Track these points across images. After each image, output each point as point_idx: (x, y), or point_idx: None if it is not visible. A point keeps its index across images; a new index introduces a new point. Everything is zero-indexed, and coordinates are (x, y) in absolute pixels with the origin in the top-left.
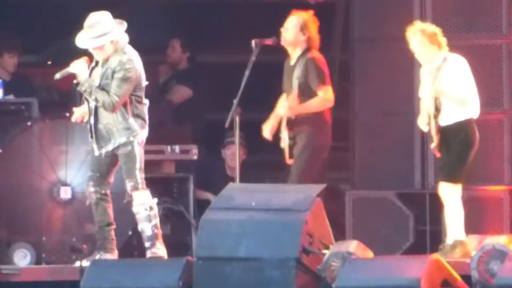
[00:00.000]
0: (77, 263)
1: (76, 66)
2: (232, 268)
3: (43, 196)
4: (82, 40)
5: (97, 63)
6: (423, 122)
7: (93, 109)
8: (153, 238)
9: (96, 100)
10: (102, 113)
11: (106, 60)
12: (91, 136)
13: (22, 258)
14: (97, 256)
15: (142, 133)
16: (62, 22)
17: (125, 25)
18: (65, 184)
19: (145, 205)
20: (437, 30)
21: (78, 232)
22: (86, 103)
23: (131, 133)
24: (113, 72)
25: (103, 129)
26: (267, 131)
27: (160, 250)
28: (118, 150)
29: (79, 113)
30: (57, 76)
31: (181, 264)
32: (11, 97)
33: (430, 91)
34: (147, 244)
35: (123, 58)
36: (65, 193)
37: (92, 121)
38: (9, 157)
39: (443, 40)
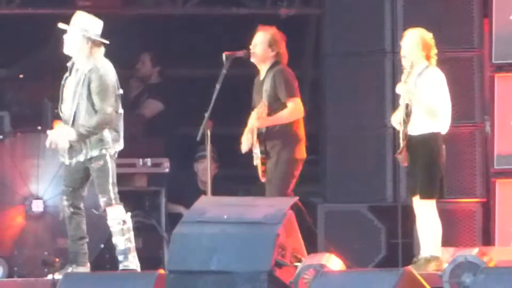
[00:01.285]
0: (50, 276)
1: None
2: (204, 281)
3: (15, 210)
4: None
5: (70, 72)
6: (396, 121)
7: (72, 116)
8: (126, 252)
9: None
10: (79, 121)
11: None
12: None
13: None
14: (70, 269)
15: (115, 146)
16: (33, 35)
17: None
18: (37, 198)
19: (117, 219)
20: (432, 44)
21: (50, 245)
22: (61, 114)
23: (103, 145)
24: (89, 81)
25: (80, 132)
26: (245, 144)
27: (132, 263)
28: (91, 163)
29: (53, 137)
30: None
31: (153, 277)
32: None
33: (404, 92)
34: (120, 258)
35: (97, 65)
36: (37, 207)
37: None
38: None
39: (433, 55)
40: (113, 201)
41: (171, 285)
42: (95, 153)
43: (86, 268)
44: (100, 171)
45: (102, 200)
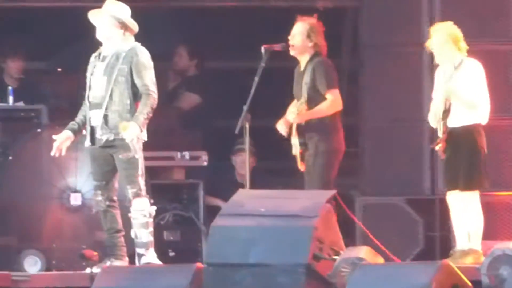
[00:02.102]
0: (87, 270)
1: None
2: (242, 274)
3: (53, 203)
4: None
5: (98, 58)
6: (433, 119)
7: (105, 101)
8: (148, 245)
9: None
10: (113, 99)
11: (107, 50)
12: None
13: (32, 264)
14: (107, 263)
15: (143, 134)
16: (70, 28)
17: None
18: (75, 191)
19: (144, 212)
20: (461, 35)
21: (88, 238)
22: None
23: (134, 129)
24: (131, 60)
25: (109, 116)
26: (281, 127)
27: (153, 257)
28: (120, 152)
29: (59, 143)
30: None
31: (191, 271)
32: (20, 104)
33: (442, 90)
34: (140, 251)
35: (137, 46)
36: (75, 200)
37: (99, 112)
38: (19, 164)
39: (464, 46)
40: (142, 192)
41: (209, 278)
42: (125, 136)
43: (123, 262)
44: (128, 162)
45: (130, 191)
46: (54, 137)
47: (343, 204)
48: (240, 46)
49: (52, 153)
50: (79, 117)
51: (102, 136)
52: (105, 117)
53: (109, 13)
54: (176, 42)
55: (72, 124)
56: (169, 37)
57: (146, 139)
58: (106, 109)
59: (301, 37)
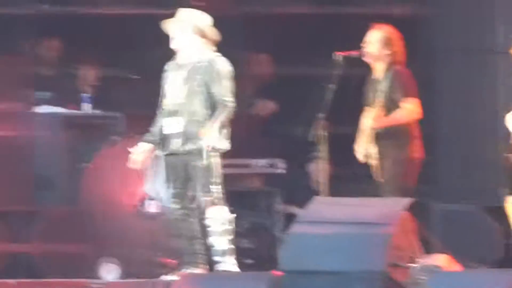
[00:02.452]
0: (165, 278)
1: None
2: (318, 282)
3: (130, 210)
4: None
5: (173, 67)
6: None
7: (183, 108)
8: (226, 253)
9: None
10: (191, 109)
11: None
12: (165, 144)
13: (109, 272)
14: (184, 271)
15: (225, 143)
16: (148, 35)
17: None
18: (152, 198)
19: (221, 220)
20: None
21: (165, 246)
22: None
23: (212, 138)
24: (210, 70)
25: (187, 125)
26: (360, 153)
27: (233, 265)
28: (196, 160)
29: (138, 155)
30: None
31: (267, 278)
32: (98, 111)
33: None
34: (218, 258)
35: (215, 59)
36: (152, 207)
37: (175, 120)
38: (97, 172)
39: None
40: (217, 200)
41: (286, 285)
42: (204, 144)
43: (201, 269)
44: (204, 169)
45: (205, 199)
46: (130, 150)
47: (414, 214)
48: (316, 52)
49: (129, 165)
50: (155, 128)
51: (179, 145)
52: (183, 126)
53: (190, 21)
54: (252, 49)
55: (149, 135)
56: (245, 44)
57: (224, 147)
58: (184, 118)
59: (378, 45)
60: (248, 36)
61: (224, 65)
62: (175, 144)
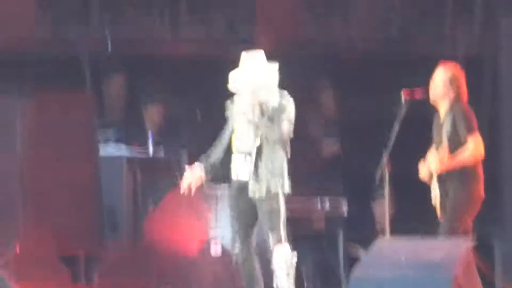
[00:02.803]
0: None
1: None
2: None
3: (193, 253)
4: (238, 79)
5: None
6: None
7: (253, 149)
8: None
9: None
10: (264, 152)
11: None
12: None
13: None
14: None
15: (288, 182)
16: (210, 76)
17: (277, 65)
18: (215, 241)
19: (286, 260)
20: None
21: (229, 285)
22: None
23: (282, 181)
24: (281, 110)
25: (261, 169)
26: (424, 173)
27: None
28: (264, 202)
29: (192, 180)
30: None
31: None
32: (161, 149)
33: None
34: None
35: (283, 100)
36: (215, 250)
37: (247, 163)
38: (160, 214)
39: None
40: (283, 238)
41: None
42: (274, 187)
43: None
44: (272, 212)
45: (272, 238)
46: (185, 174)
47: (476, 254)
48: (379, 90)
49: (181, 191)
50: (213, 157)
51: (254, 192)
52: (257, 169)
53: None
54: (318, 86)
55: (205, 163)
56: (310, 81)
57: (288, 191)
58: (256, 161)
59: (442, 84)
60: (314, 72)
61: (290, 106)
62: (250, 191)
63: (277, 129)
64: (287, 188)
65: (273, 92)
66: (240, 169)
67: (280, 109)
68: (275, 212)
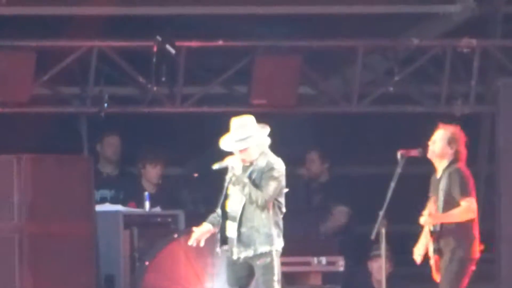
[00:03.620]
0: None
1: (232, 160)
2: None
3: None
4: (227, 143)
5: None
6: None
7: (239, 212)
8: None
9: (249, 196)
10: (248, 215)
11: (250, 164)
12: (224, 242)
13: None
14: None
15: (279, 242)
16: (207, 133)
17: (267, 129)
18: None
19: None
20: None
21: None
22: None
23: (271, 241)
24: (262, 173)
25: (245, 233)
26: (417, 255)
27: None
28: (256, 260)
29: (199, 234)
30: (215, 166)
31: None
32: (157, 209)
33: None
34: None
35: (271, 159)
36: None
37: (234, 226)
38: (156, 269)
39: None
40: None
41: None
42: (263, 249)
43: None
44: (265, 268)
45: None
46: (194, 228)
47: None
48: (373, 150)
49: (189, 243)
50: (218, 211)
51: (240, 254)
52: (242, 234)
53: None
54: (307, 148)
55: (213, 217)
56: (300, 142)
57: (282, 244)
58: (240, 225)
59: (441, 143)
60: (310, 134)
61: (279, 169)
62: (236, 254)
63: (263, 194)
64: (277, 246)
65: (262, 153)
66: (230, 232)
67: (268, 171)
68: (268, 268)
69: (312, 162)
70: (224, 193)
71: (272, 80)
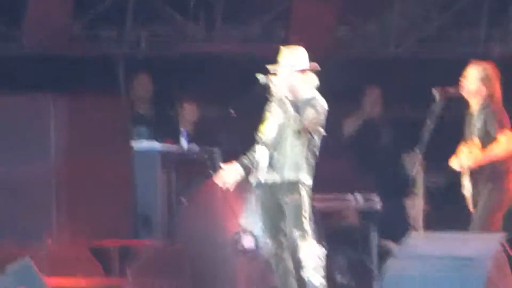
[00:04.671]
0: None
1: (275, 80)
2: None
3: (226, 247)
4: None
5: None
6: None
7: (273, 137)
8: None
9: (287, 115)
10: (282, 141)
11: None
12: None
13: None
14: None
15: (308, 178)
16: (247, 72)
17: (318, 67)
18: (248, 234)
19: (313, 255)
20: None
21: (262, 283)
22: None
23: (300, 171)
24: (304, 104)
25: (276, 157)
26: (455, 164)
27: None
28: (285, 195)
29: (227, 174)
30: (260, 77)
31: None
32: (194, 146)
33: None
34: None
35: (312, 97)
36: (248, 243)
37: (266, 151)
38: (193, 208)
39: None
40: (307, 235)
41: None
42: (290, 176)
43: None
44: (295, 205)
45: (296, 234)
46: (222, 165)
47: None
48: (415, 92)
49: (215, 180)
50: (251, 153)
51: (268, 177)
52: (273, 158)
53: (289, 67)
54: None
55: (243, 159)
56: (352, 81)
57: (311, 183)
58: (275, 150)
59: (477, 82)
60: (350, 73)
61: (317, 105)
62: (265, 177)
63: (302, 119)
64: (306, 179)
65: (308, 88)
66: (261, 158)
67: (309, 101)
68: (297, 205)
69: (370, 97)
70: (264, 120)
71: (310, 22)
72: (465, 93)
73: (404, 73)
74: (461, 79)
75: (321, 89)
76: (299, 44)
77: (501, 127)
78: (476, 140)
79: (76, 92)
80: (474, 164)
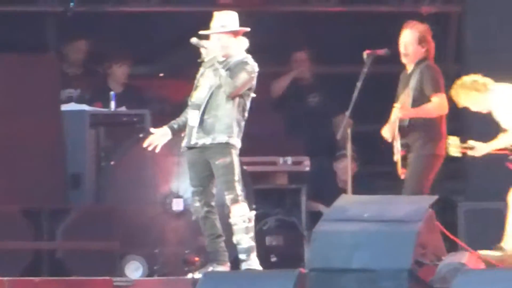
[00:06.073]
0: (190, 275)
1: (208, 43)
2: (346, 279)
3: (156, 208)
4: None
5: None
6: None
7: (203, 103)
8: (250, 250)
9: (220, 75)
10: (213, 104)
11: (226, 59)
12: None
13: (134, 270)
14: (210, 268)
15: (238, 141)
16: (174, 33)
17: (247, 29)
18: (178, 196)
19: (244, 217)
20: None
21: (191, 243)
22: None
23: (230, 133)
24: (235, 66)
25: (207, 120)
26: (387, 132)
27: (254, 262)
28: (215, 158)
29: (154, 138)
30: (193, 40)
31: (294, 276)
32: (123, 109)
33: None
34: (242, 257)
35: (244, 59)
36: (177, 205)
37: (197, 114)
38: (122, 170)
39: None
40: (239, 198)
41: (313, 283)
42: (221, 138)
43: (225, 267)
44: (225, 168)
45: (227, 197)
46: (151, 130)
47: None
48: (342, 51)
49: (144, 145)
50: (181, 118)
51: (198, 139)
52: (203, 121)
53: (220, 28)
54: (284, 47)
55: (173, 123)
56: (277, 42)
57: (240, 145)
58: (204, 112)
59: (414, 45)
60: (279, 34)
61: (247, 67)
62: (194, 139)
63: (233, 81)
64: (236, 142)
65: (239, 50)
66: (192, 118)
67: (241, 64)
68: (228, 168)
69: (299, 61)
70: (195, 84)
71: None
72: (402, 55)
73: (335, 31)
74: (399, 42)
75: (250, 49)
76: (227, 1)
77: (436, 90)
78: (410, 100)
79: (4, 51)
80: (404, 115)
